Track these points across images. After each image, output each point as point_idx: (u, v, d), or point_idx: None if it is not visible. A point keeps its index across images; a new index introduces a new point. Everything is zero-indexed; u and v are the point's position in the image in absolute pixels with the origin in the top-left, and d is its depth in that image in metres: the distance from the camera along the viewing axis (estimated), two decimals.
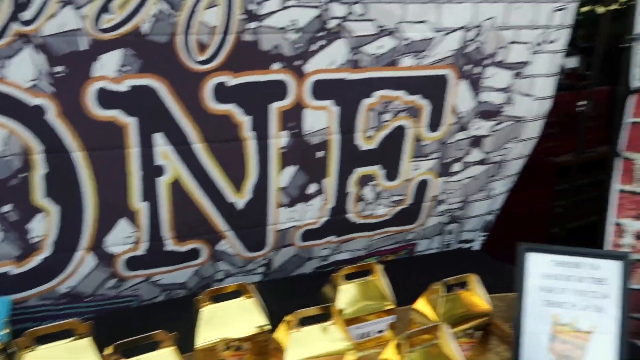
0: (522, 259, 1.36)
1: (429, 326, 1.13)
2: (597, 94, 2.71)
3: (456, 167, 1.75)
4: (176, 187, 1.39)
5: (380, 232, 1.77)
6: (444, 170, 1.73)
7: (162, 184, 1.37)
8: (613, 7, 2.77)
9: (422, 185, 1.73)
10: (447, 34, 1.49)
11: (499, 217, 2.11)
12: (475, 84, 1.61)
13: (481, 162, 1.79)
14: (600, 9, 3.19)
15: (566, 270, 1.35)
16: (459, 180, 1.79)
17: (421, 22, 1.45)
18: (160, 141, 1.33)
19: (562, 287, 1.34)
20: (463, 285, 1.39)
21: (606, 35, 2.70)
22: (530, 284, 1.36)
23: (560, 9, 1.61)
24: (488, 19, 1.52)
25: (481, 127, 1.69)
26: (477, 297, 1.38)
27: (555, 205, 2.90)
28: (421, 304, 1.37)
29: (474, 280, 1.39)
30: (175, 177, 1.38)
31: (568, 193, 2.83)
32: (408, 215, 1.78)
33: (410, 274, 1.56)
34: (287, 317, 1.15)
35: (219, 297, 1.21)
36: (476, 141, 1.72)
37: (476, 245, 2.08)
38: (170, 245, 1.46)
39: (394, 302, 1.35)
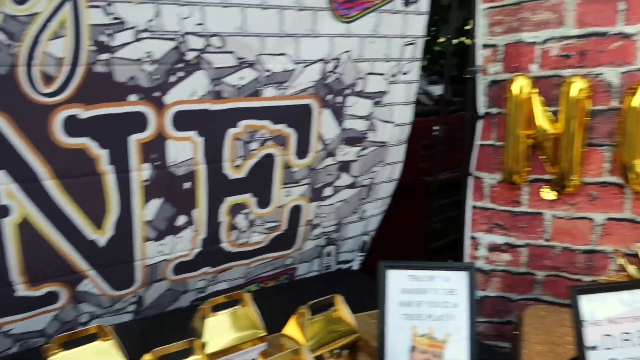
0: (382, 275, 1.44)
1: (288, 351, 1.15)
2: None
3: (327, 191, 1.82)
4: (25, 227, 1.29)
5: (258, 259, 1.78)
6: (316, 195, 1.80)
7: (8, 225, 1.27)
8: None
9: (296, 211, 1.78)
10: (307, 65, 1.57)
11: (379, 236, 2.23)
12: (338, 113, 1.70)
13: (351, 186, 1.88)
14: (468, 41, 3.56)
15: (422, 284, 1.44)
16: (331, 204, 1.87)
17: (281, 54, 1.51)
18: (3, 179, 1.24)
19: (419, 300, 1.43)
20: (330, 306, 1.45)
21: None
22: (391, 299, 1.44)
23: (410, 44, 1.77)
24: (345, 52, 1.62)
25: (348, 152, 1.78)
26: (343, 316, 1.44)
27: (432, 222, 3.10)
28: (290, 329, 1.39)
29: (339, 301, 1.45)
30: (23, 216, 1.28)
31: (441, 210, 3.04)
32: (284, 240, 1.81)
33: (292, 299, 1.59)
34: (146, 356, 1.11)
35: (74, 342, 1.14)
36: (344, 166, 1.81)
37: (355, 265, 2.17)
38: (21, 290, 1.35)
39: (264, 329, 1.37)
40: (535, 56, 1.67)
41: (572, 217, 1.74)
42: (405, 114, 1.88)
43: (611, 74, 1.59)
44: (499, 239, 1.88)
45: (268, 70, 1.51)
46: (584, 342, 1.25)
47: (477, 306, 1.97)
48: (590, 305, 1.29)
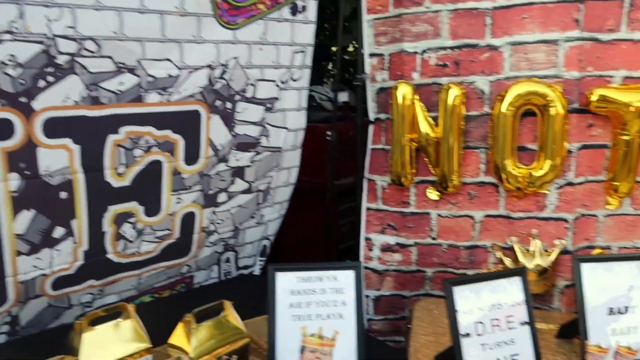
0: (272, 278, 1.46)
1: None
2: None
3: (222, 197, 1.81)
4: None
5: (149, 269, 1.73)
6: (210, 201, 1.78)
7: None
8: None
9: (189, 218, 1.75)
10: (193, 71, 1.55)
11: (286, 240, 2.24)
12: (229, 119, 1.70)
13: (247, 191, 1.88)
14: None
15: (311, 284, 1.47)
16: (227, 210, 1.86)
17: (164, 59, 1.49)
18: None
19: (308, 301, 1.46)
20: (220, 312, 1.44)
21: None
22: (280, 301, 1.46)
23: (299, 52, 1.81)
24: (233, 58, 1.63)
25: (241, 158, 1.79)
26: (232, 321, 1.44)
27: (340, 224, 3.17)
28: (176, 338, 1.37)
29: (228, 306, 1.45)
30: None
31: (351, 213, 3.13)
32: (178, 248, 1.78)
33: (188, 308, 1.55)
34: None
35: None
36: (238, 171, 1.81)
37: (256, 270, 2.17)
38: None
39: (148, 341, 1.33)
40: (417, 65, 1.77)
41: (455, 215, 1.85)
42: (299, 120, 1.91)
43: (482, 82, 1.72)
44: (390, 239, 1.96)
45: (151, 76, 1.48)
46: (459, 330, 1.34)
47: (374, 305, 2.07)
48: (463, 296, 1.39)
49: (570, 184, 1.71)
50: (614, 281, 1.52)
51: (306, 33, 1.79)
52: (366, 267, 2.05)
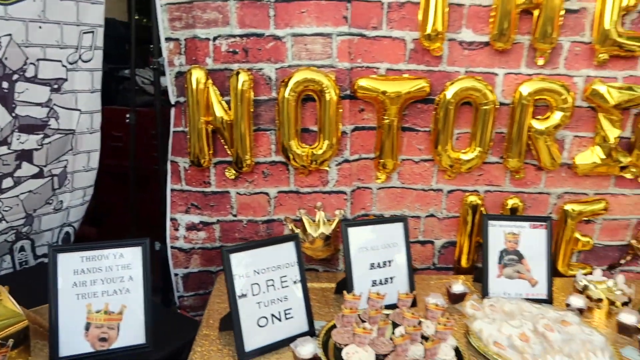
0: (52, 260, 1.45)
1: None
2: None
3: (6, 182, 1.73)
4: None
5: None
6: None
7: None
8: None
9: None
10: None
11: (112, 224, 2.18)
12: (7, 99, 1.62)
13: (38, 176, 1.82)
14: None
15: (96, 263, 1.50)
16: (15, 196, 1.77)
17: None
18: None
19: (93, 279, 1.49)
20: None
21: None
22: (64, 282, 1.46)
23: (88, 32, 1.79)
24: (6, 35, 1.56)
25: (25, 140, 1.72)
26: (9, 306, 1.41)
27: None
28: None
29: (2, 291, 1.41)
30: None
31: None
32: None
33: None
34: None
35: None
36: (24, 155, 1.74)
37: None
38: None
39: None
40: (209, 51, 1.86)
41: (252, 192, 2.00)
42: (93, 102, 1.89)
43: (269, 69, 1.88)
44: (195, 218, 2.05)
45: None
46: (235, 292, 1.48)
47: (182, 282, 2.15)
48: (241, 261, 1.52)
49: (347, 161, 1.96)
50: (375, 241, 1.81)
51: (95, 13, 1.77)
52: (173, 247, 2.11)
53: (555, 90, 1.86)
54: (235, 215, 2.04)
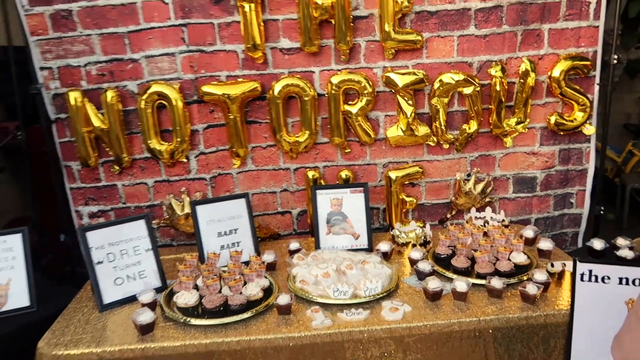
0: None
1: None
2: None
3: None
4: None
5: None
6: None
7: None
8: None
9: None
10: None
11: None
12: None
13: None
14: None
15: None
16: None
17: None
18: None
19: None
20: None
21: None
22: None
23: None
24: None
25: None
26: None
27: None
28: None
29: None
30: None
31: None
32: None
33: None
34: None
35: None
36: None
37: None
38: None
39: None
40: (82, 75, 2.35)
41: (134, 183, 2.49)
42: None
43: (132, 85, 2.35)
44: (93, 208, 2.54)
45: None
46: (92, 260, 1.93)
47: None
48: (94, 237, 1.94)
49: (202, 153, 2.44)
50: (219, 214, 2.26)
51: None
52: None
53: (356, 80, 2.34)
54: (124, 203, 2.53)
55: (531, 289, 1.80)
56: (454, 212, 2.63)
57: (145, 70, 2.34)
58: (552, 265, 1.99)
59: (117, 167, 2.45)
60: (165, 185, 2.50)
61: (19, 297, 2.02)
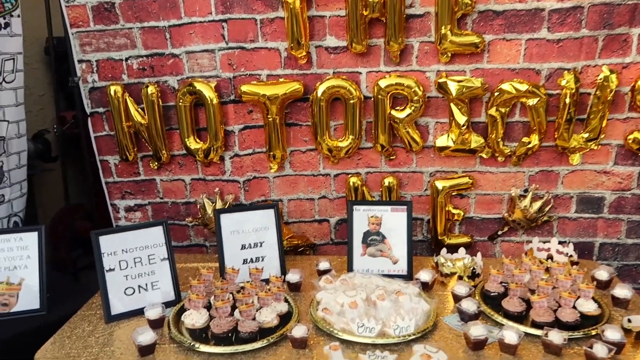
0: None
1: None
2: None
3: None
4: None
5: None
6: None
7: None
8: None
9: None
10: None
11: None
12: None
13: None
14: None
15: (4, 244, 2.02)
16: None
17: None
18: None
19: None
20: None
21: None
22: None
23: (10, 59, 2.33)
24: None
25: None
26: None
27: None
28: None
29: None
30: None
31: None
32: None
33: None
34: None
35: None
36: None
37: None
38: None
39: None
40: (124, 69, 2.30)
41: (172, 179, 2.45)
42: (18, 113, 2.49)
43: (172, 81, 2.28)
44: (130, 202, 2.54)
45: None
46: (104, 266, 1.83)
47: None
48: (109, 242, 1.85)
49: (237, 155, 2.34)
50: (245, 224, 2.11)
51: (14, 44, 2.33)
52: (117, 226, 2.62)
53: (406, 84, 2.14)
54: (162, 198, 2.50)
55: (600, 350, 1.48)
56: (505, 229, 2.40)
57: (185, 66, 2.25)
58: (629, 321, 1.66)
59: (155, 163, 2.42)
60: (201, 183, 2.44)
61: (29, 299, 2.01)
